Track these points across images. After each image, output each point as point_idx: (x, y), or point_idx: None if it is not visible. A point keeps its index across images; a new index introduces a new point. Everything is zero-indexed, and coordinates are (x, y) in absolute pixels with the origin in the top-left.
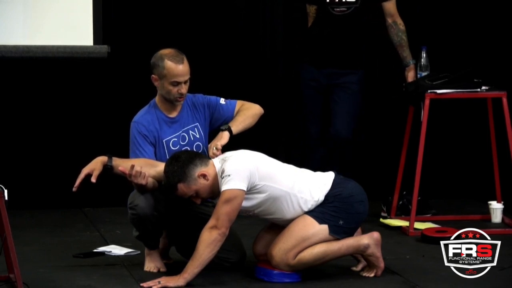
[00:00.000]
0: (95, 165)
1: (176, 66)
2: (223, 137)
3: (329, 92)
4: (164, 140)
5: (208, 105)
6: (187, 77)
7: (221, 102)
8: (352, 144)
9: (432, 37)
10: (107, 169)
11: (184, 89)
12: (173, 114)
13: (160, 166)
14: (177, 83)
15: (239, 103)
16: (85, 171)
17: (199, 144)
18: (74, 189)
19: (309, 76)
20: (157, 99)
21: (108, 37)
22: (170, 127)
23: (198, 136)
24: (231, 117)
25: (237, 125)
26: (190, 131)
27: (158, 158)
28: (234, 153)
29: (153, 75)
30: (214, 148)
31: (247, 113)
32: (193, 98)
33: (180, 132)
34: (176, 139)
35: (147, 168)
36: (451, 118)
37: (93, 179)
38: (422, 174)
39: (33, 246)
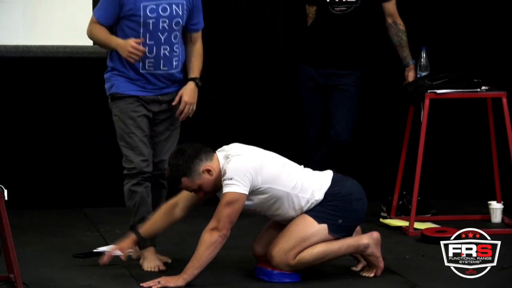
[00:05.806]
0: (127, 245)
1: None
2: (193, 94)
3: (327, 93)
4: (142, 4)
5: None
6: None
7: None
8: (352, 145)
9: (432, 37)
10: (140, 241)
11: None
12: None
13: (179, 202)
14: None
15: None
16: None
17: (178, 21)
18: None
19: (307, 76)
20: None
21: None
22: None
23: (180, 13)
24: (197, 24)
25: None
26: (174, 5)
27: (130, 30)
28: (238, 150)
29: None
30: (186, 108)
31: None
32: None
33: (162, 1)
34: (154, 6)
35: (170, 216)
36: (451, 118)
37: (123, 258)
38: (422, 174)
39: (33, 246)
